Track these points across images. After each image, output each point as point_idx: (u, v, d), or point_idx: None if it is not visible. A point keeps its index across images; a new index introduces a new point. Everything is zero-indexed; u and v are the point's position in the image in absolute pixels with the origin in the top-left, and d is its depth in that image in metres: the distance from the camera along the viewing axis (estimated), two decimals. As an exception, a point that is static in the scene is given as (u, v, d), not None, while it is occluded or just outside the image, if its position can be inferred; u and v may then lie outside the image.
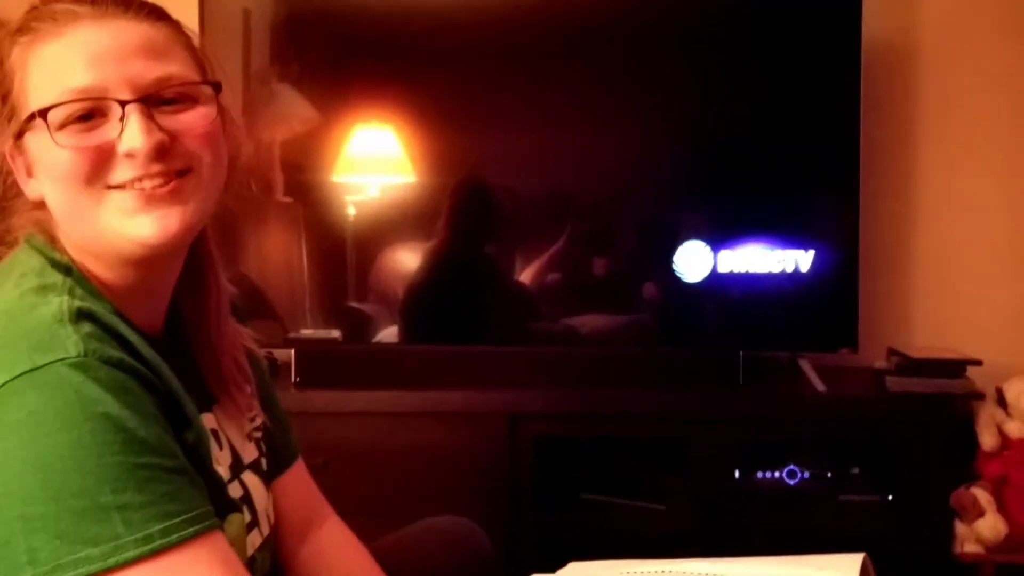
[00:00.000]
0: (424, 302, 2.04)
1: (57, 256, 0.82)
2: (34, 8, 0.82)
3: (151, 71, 0.80)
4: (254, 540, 0.93)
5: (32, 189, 0.83)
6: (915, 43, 2.15)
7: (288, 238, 2.08)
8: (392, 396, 1.88)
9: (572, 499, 1.94)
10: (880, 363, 2.03)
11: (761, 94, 1.98)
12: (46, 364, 0.71)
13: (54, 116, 0.77)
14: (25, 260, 0.82)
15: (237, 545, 0.88)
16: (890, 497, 1.90)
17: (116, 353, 0.75)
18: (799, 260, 1.98)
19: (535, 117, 2.00)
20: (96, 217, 0.79)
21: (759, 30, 1.97)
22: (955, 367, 1.91)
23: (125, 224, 0.79)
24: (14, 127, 0.81)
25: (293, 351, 1.95)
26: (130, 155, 0.78)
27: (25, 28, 0.81)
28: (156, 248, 0.80)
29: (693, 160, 2.01)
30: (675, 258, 1.98)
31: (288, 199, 2.04)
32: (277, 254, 2.07)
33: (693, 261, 1.99)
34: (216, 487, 0.85)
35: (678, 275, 1.98)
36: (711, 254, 1.98)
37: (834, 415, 1.92)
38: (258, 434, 1.00)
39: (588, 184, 2.03)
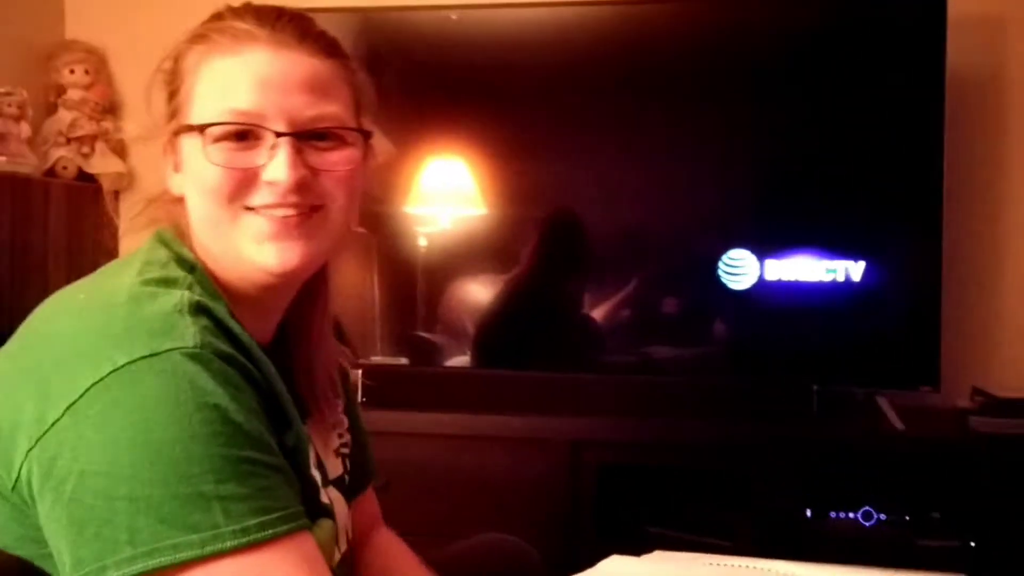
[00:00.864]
0: (498, 328, 2.06)
1: (184, 252, 0.85)
2: (216, 19, 0.87)
3: (310, 108, 0.84)
4: (335, 555, 0.94)
5: (175, 185, 0.88)
6: (1002, 71, 2.09)
7: (361, 267, 2.13)
8: (455, 419, 1.89)
9: (634, 530, 1.90)
10: (963, 402, 1.95)
11: (843, 125, 1.95)
12: (164, 351, 0.73)
13: (211, 131, 0.82)
14: (152, 252, 0.85)
15: (325, 550, 0.88)
16: (972, 544, 1.80)
17: (228, 349, 0.77)
18: (879, 295, 1.93)
19: (608, 152, 2.02)
20: (228, 233, 0.84)
21: (842, 61, 1.95)
22: (1043, 407, 1.82)
23: (252, 249, 0.84)
24: (174, 125, 0.86)
25: (360, 371, 1.98)
26: (272, 184, 0.83)
27: (203, 37, 0.85)
28: (275, 277, 0.85)
29: (774, 191, 1.99)
30: (748, 286, 1.95)
31: (362, 229, 2.09)
32: (350, 282, 2.12)
33: (767, 292, 1.95)
34: (311, 490, 0.88)
35: (751, 305, 1.95)
36: (787, 286, 1.94)
37: (914, 455, 1.84)
38: (345, 450, 1.03)
39: (662, 221, 2.03)
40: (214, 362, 0.74)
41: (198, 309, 0.78)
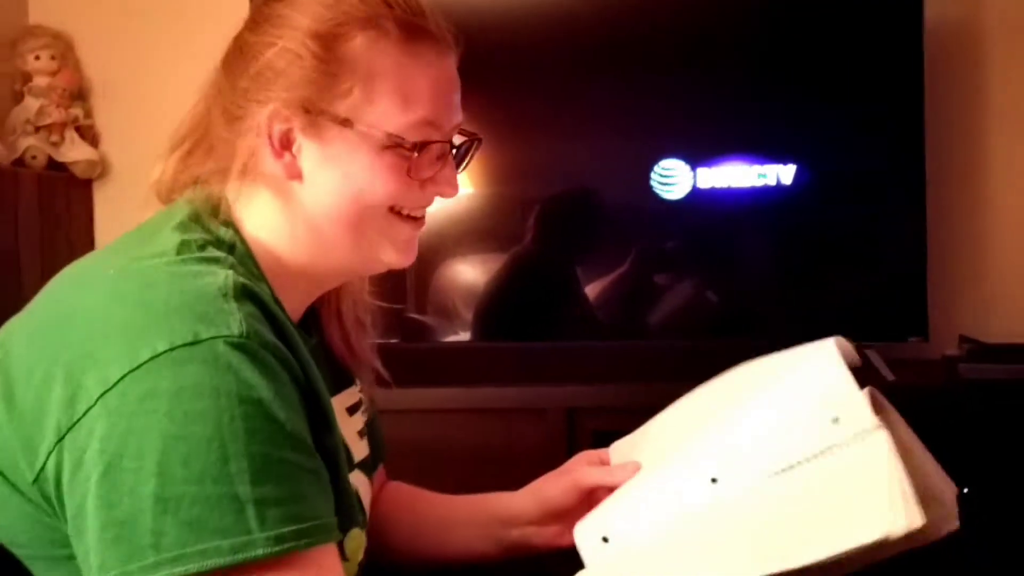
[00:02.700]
0: (488, 300, 2.05)
1: (221, 231, 0.80)
2: (383, 3, 0.80)
3: (460, 115, 0.85)
4: (363, 541, 0.90)
5: (277, 167, 0.80)
6: (982, 21, 2.09)
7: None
8: (448, 393, 1.88)
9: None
10: (952, 351, 1.96)
11: (821, 77, 1.95)
12: (208, 339, 0.67)
13: (395, 140, 0.79)
14: (187, 229, 0.78)
15: (354, 560, 0.86)
16: (965, 489, 1.82)
17: (273, 339, 0.72)
18: (867, 249, 1.93)
19: (598, 128, 2.00)
20: (369, 236, 0.82)
21: (818, 17, 1.95)
22: (1032, 352, 1.84)
23: (391, 253, 0.83)
24: (339, 115, 0.78)
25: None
26: (439, 197, 0.83)
27: (373, 23, 0.79)
28: (395, 269, 0.85)
29: (757, 148, 1.98)
30: (734, 250, 1.96)
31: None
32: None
33: (757, 250, 1.96)
34: (348, 496, 0.83)
35: (740, 265, 1.95)
36: (776, 244, 1.95)
37: (904, 404, 1.84)
38: (367, 431, 0.99)
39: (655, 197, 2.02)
40: (260, 353, 0.69)
41: (244, 293, 0.72)
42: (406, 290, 2.06)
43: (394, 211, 0.82)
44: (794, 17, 1.97)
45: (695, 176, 1.96)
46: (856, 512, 0.62)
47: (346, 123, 0.79)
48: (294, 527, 0.66)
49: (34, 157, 2.17)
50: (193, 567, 0.64)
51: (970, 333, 1.97)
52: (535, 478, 1.94)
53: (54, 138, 2.19)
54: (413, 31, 0.79)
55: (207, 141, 0.84)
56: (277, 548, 0.65)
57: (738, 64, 1.99)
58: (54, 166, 2.21)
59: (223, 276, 0.72)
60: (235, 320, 0.69)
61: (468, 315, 2.06)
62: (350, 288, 0.94)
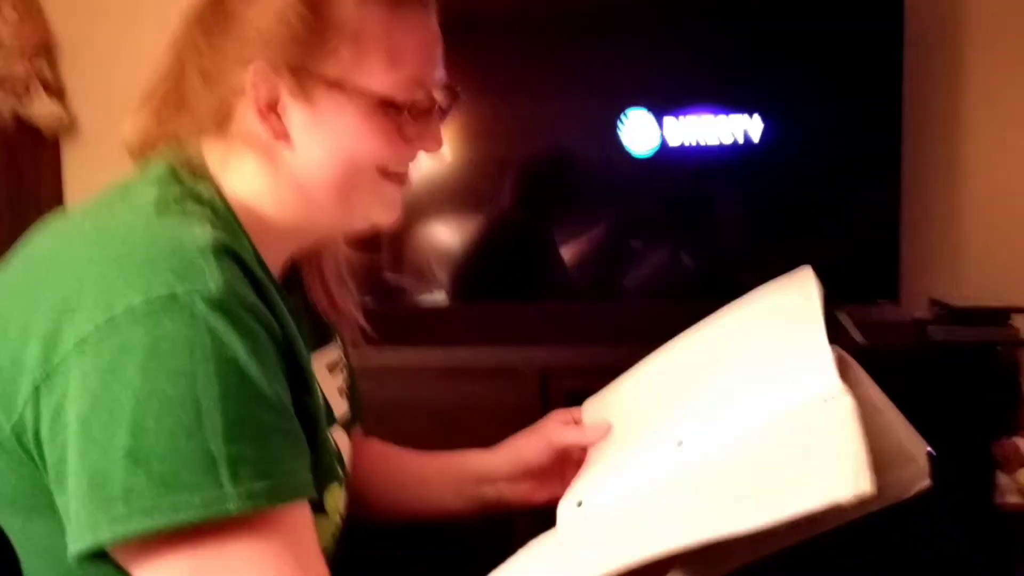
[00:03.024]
0: (463, 262, 2.04)
1: (201, 188, 0.78)
2: None
3: (444, 72, 0.83)
4: (343, 497, 0.91)
5: (258, 127, 0.78)
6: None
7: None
8: (423, 352, 1.88)
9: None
10: (921, 313, 1.99)
11: (802, 51, 1.94)
12: (185, 294, 0.66)
13: (385, 100, 0.78)
14: (165, 182, 0.77)
15: (334, 515, 0.86)
16: (929, 449, 1.86)
17: (252, 298, 0.71)
18: (839, 210, 1.95)
19: (578, 88, 1.98)
20: (357, 195, 0.81)
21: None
22: (999, 315, 1.86)
23: (380, 212, 0.83)
24: (328, 75, 0.77)
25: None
26: (425, 154, 0.82)
27: None
28: (383, 229, 0.85)
29: (726, 102, 1.98)
30: (706, 211, 1.96)
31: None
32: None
33: (730, 211, 1.96)
34: (327, 455, 0.82)
35: (713, 227, 1.96)
36: (749, 206, 1.95)
37: (873, 365, 1.87)
38: (346, 389, 0.99)
39: (629, 160, 2.01)
40: (237, 311, 0.68)
41: (223, 249, 0.71)
42: (381, 250, 2.05)
43: (381, 170, 0.82)
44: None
45: (662, 129, 1.95)
46: (807, 477, 0.61)
47: (335, 84, 0.77)
48: (266, 484, 0.66)
49: (-2, 111, 2.13)
50: (163, 521, 0.64)
51: (942, 296, 1.99)
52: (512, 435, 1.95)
53: (17, 90, 2.14)
54: None
55: (177, 96, 0.82)
56: (248, 504, 0.65)
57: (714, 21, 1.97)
58: (21, 128, 2.17)
59: (200, 232, 0.71)
60: (213, 277, 0.68)
61: (443, 276, 2.05)
62: (331, 245, 0.94)
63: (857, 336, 1.87)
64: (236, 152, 0.80)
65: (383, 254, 2.05)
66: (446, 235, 2.05)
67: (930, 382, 1.86)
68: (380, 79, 0.78)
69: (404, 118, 0.79)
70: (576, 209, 2.05)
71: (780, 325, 0.85)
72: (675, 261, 2.04)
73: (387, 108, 0.78)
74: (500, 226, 2.04)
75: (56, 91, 2.22)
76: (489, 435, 1.82)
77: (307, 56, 0.77)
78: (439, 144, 0.84)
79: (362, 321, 0.98)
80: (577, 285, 2.06)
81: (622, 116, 1.95)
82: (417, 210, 2.03)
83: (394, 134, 0.79)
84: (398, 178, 0.83)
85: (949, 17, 2.08)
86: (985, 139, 2.10)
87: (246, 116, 0.79)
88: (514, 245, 2.08)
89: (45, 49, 2.22)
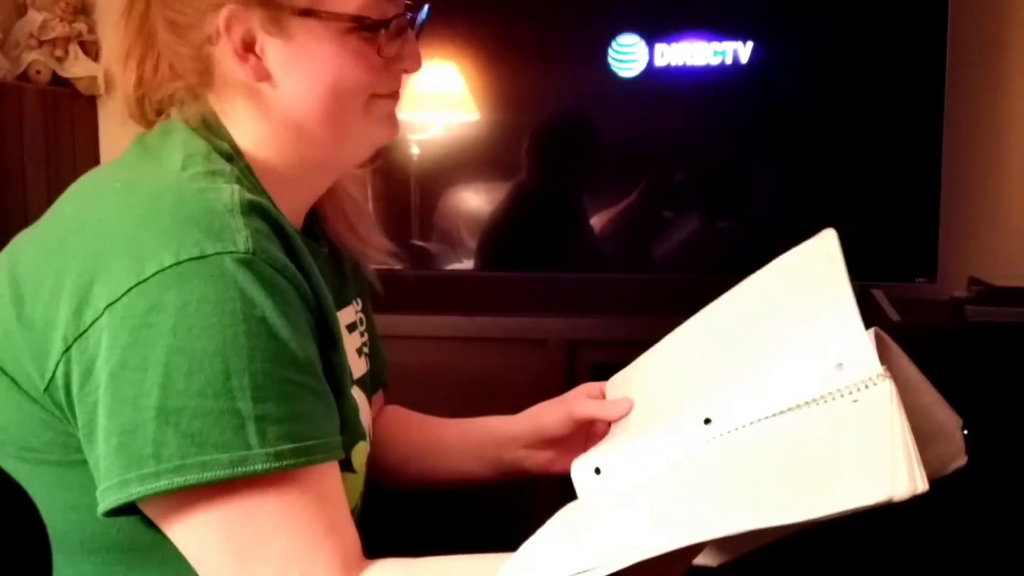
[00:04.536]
0: (492, 230, 2.03)
1: (219, 143, 0.78)
2: None
3: None
4: (368, 452, 0.91)
5: (241, 71, 0.77)
6: None
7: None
8: (451, 320, 1.88)
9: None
10: (960, 292, 1.94)
11: (843, 26, 1.89)
12: (215, 254, 0.67)
13: (358, 21, 0.77)
14: (188, 140, 0.77)
15: (361, 472, 0.87)
16: (967, 432, 1.82)
17: (281, 256, 0.71)
18: (877, 187, 1.90)
19: (603, 57, 1.94)
20: (352, 120, 0.80)
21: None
22: (1040, 295, 1.81)
23: (374, 130, 0.82)
24: (297, 4, 0.75)
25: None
26: (407, 72, 0.81)
27: None
28: (385, 145, 0.84)
29: (763, 102, 1.94)
30: (740, 184, 1.92)
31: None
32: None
33: (763, 186, 1.93)
34: (352, 412, 0.83)
35: (745, 199, 1.93)
36: (782, 184, 1.91)
37: (909, 345, 1.83)
38: (366, 350, 0.99)
39: (663, 128, 1.97)
40: (266, 271, 0.69)
41: (251, 208, 0.71)
42: (410, 217, 2.04)
43: (368, 93, 0.81)
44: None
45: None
46: (856, 471, 0.58)
47: (307, 12, 0.76)
48: (293, 445, 0.67)
49: (38, 72, 2.15)
50: (193, 478, 0.65)
51: (981, 275, 1.95)
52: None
53: (58, 52, 2.16)
54: None
55: (154, 51, 0.81)
56: (276, 464, 0.66)
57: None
58: (58, 81, 2.18)
59: (229, 191, 0.71)
60: (241, 236, 0.69)
61: (472, 243, 2.04)
62: (344, 182, 0.94)
63: (893, 314, 1.84)
64: (231, 103, 0.80)
65: (411, 220, 2.05)
66: (475, 202, 2.04)
67: (968, 362, 1.83)
68: (350, 1, 0.77)
69: (381, 37, 0.78)
70: (603, 177, 2.03)
71: (808, 295, 0.82)
72: (704, 236, 2.01)
73: (362, 29, 0.77)
74: (524, 193, 2.02)
75: (94, 52, 2.23)
76: (514, 406, 1.82)
77: None
78: (418, 62, 0.83)
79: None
80: (606, 255, 2.04)
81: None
82: (442, 175, 2.01)
83: (373, 55, 0.78)
84: (388, 97, 0.82)
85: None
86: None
87: (226, 63, 0.78)
88: (539, 212, 2.06)
89: (84, 10, 2.24)
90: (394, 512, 1.08)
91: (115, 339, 0.66)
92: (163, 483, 0.65)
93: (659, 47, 1.91)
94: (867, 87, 1.90)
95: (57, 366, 0.69)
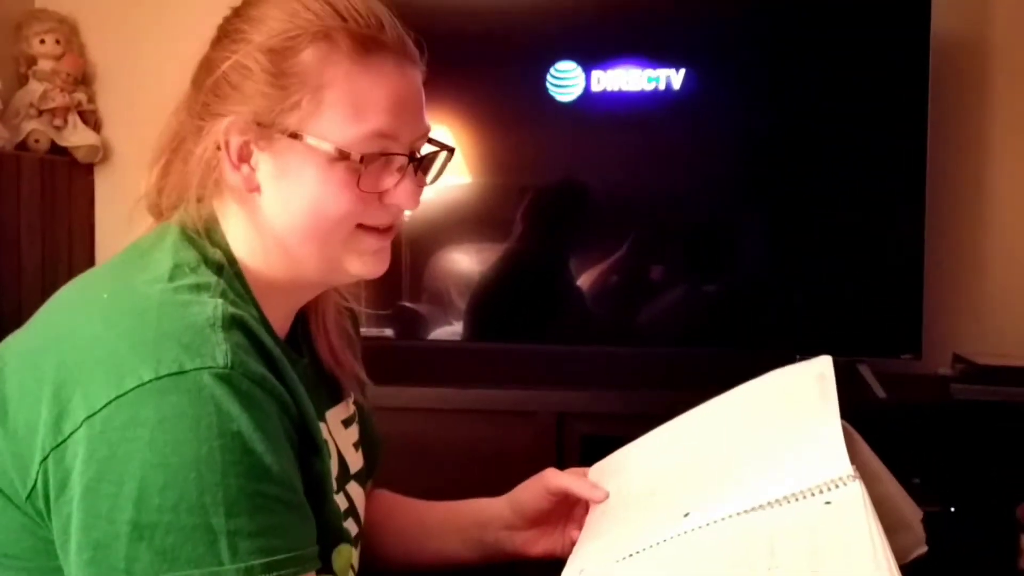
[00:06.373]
0: (481, 300, 2.05)
1: (211, 252, 0.80)
2: (338, 16, 0.79)
3: (424, 127, 0.83)
4: (352, 555, 0.91)
5: (236, 179, 0.80)
6: (987, 39, 2.08)
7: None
8: (439, 393, 1.88)
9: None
10: (944, 370, 1.96)
11: (825, 91, 1.95)
12: (194, 370, 0.68)
13: (347, 153, 0.78)
14: (180, 250, 0.79)
15: (343, 574, 0.86)
16: (952, 509, 1.82)
17: (260, 369, 0.72)
18: (862, 263, 1.94)
19: (593, 118, 1.99)
20: (333, 248, 0.81)
21: (825, 25, 1.94)
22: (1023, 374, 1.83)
23: (356, 263, 0.82)
24: (288, 127, 0.78)
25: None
26: (398, 208, 0.82)
27: (325, 36, 0.78)
28: (369, 279, 0.85)
29: (752, 163, 1.99)
30: (730, 258, 1.95)
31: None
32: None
33: (752, 262, 1.96)
34: (334, 518, 0.84)
35: (735, 274, 1.95)
36: (770, 255, 1.94)
37: (895, 422, 1.85)
38: (361, 441, 0.99)
39: (649, 188, 2.02)
40: (244, 384, 0.70)
41: (232, 322, 0.73)
42: (401, 278, 2.06)
43: (357, 223, 0.81)
44: None
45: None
46: (835, 568, 0.60)
47: (295, 135, 0.78)
48: (265, 560, 0.68)
49: (37, 141, 2.18)
50: None
51: (964, 350, 1.97)
52: (523, 481, 1.95)
53: (57, 122, 2.19)
54: (367, 43, 0.79)
55: (182, 154, 0.84)
56: None
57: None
58: (56, 150, 2.22)
59: (212, 305, 0.73)
60: (221, 351, 0.70)
61: (462, 305, 2.05)
62: (334, 296, 0.95)
63: (879, 391, 1.85)
64: (227, 208, 0.83)
65: (402, 281, 2.06)
66: (465, 263, 2.06)
67: (953, 440, 1.84)
68: (340, 131, 0.78)
69: (364, 172, 0.79)
70: (591, 240, 2.05)
71: (792, 406, 0.84)
72: (693, 311, 2.03)
73: (346, 161, 0.78)
74: (514, 259, 2.04)
75: (93, 121, 2.27)
76: (504, 477, 1.82)
77: (271, 108, 0.78)
78: (414, 202, 0.83)
79: (363, 376, 0.99)
80: (594, 328, 2.05)
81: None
82: (433, 237, 2.03)
83: (355, 187, 0.79)
84: (378, 231, 0.83)
85: (976, 66, 2.08)
86: (1011, 193, 2.08)
87: (225, 170, 0.81)
88: (530, 283, 2.07)
89: (84, 80, 2.28)
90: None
91: (92, 452, 0.67)
92: None
93: (595, 73, 1.96)
94: (858, 172, 1.95)
95: (37, 474, 0.70)
